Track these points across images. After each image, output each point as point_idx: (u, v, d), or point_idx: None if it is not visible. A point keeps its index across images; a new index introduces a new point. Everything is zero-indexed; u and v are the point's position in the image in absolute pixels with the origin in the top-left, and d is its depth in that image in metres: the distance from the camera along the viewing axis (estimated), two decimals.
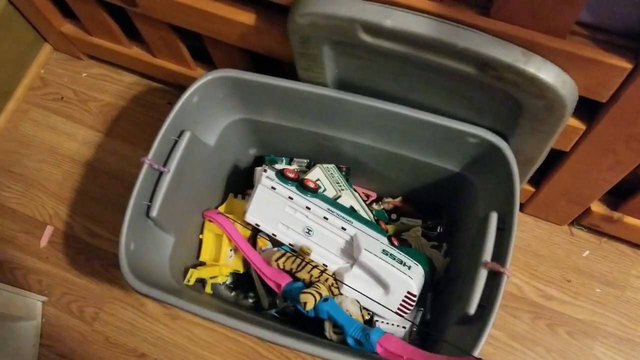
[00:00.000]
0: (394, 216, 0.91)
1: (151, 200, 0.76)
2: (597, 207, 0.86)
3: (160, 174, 0.77)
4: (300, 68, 0.75)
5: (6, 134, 1.12)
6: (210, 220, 0.87)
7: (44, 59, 1.17)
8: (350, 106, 0.74)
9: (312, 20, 0.64)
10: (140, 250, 0.75)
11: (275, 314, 0.86)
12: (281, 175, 0.81)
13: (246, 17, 0.77)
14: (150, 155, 0.76)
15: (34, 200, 1.06)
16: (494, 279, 0.65)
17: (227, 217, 0.86)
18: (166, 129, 0.77)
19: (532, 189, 0.88)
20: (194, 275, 0.83)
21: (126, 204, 0.72)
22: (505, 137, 0.70)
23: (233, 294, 0.90)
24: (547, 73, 0.56)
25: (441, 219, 0.89)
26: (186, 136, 0.79)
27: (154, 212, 0.76)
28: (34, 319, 0.97)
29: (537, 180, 0.86)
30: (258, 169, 0.88)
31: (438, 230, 0.88)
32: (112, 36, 1.03)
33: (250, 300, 0.89)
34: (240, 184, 0.94)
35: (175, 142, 0.79)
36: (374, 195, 0.95)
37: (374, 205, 0.93)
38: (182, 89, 1.07)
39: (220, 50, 0.91)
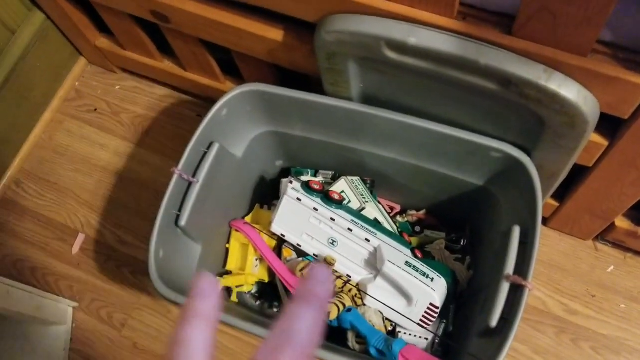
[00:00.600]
0: (417, 228, 0.92)
1: (180, 209, 0.79)
2: (622, 223, 0.86)
3: (190, 184, 0.80)
4: (326, 83, 0.77)
5: (42, 143, 1.16)
6: (236, 230, 0.89)
7: (79, 71, 1.22)
8: (375, 120, 0.76)
9: (338, 38, 0.66)
10: (169, 258, 0.77)
11: None
12: (307, 186, 0.83)
13: (275, 34, 0.79)
14: (180, 165, 0.78)
15: (66, 208, 1.10)
16: (516, 292, 0.66)
17: (254, 227, 0.88)
18: (196, 140, 0.80)
19: (556, 204, 0.88)
20: (220, 283, 0.85)
21: (155, 213, 0.75)
22: (528, 152, 0.71)
23: (258, 302, 0.92)
24: (569, 90, 0.57)
25: (464, 232, 0.90)
26: (215, 148, 0.82)
27: (182, 222, 0.78)
28: (65, 324, 1.00)
29: (561, 194, 0.86)
30: (284, 180, 0.90)
31: (461, 243, 0.88)
32: (145, 50, 1.07)
33: (275, 310, 0.91)
34: (267, 194, 0.97)
35: (205, 154, 0.82)
36: (398, 208, 0.96)
37: (398, 218, 0.94)
38: (211, 101, 1.10)
39: (248, 64, 0.94)
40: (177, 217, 0.79)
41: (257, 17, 0.80)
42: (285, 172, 0.98)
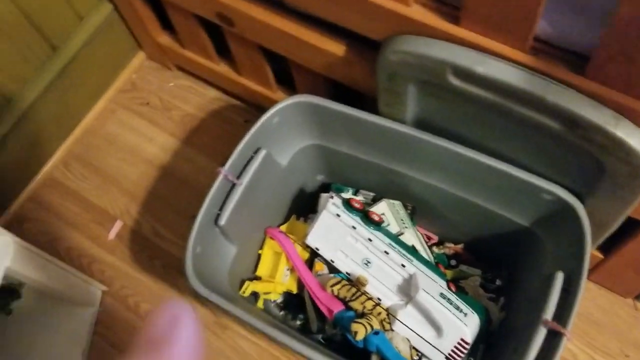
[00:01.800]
0: (453, 262, 0.90)
1: (221, 209, 0.79)
2: None
3: (233, 185, 0.80)
4: (382, 103, 0.77)
5: (93, 130, 1.19)
6: (271, 238, 0.89)
7: (137, 65, 1.25)
8: (426, 146, 0.75)
9: (403, 58, 0.66)
10: (205, 255, 0.78)
11: (321, 339, 0.87)
12: (347, 204, 0.83)
13: (336, 48, 0.79)
14: (227, 166, 0.79)
15: (108, 194, 1.12)
16: (552, 339, 0.63)
17: (289, 236, 0.88)
18: (245, 144, 0.80)
19: (600, 256, 0.85)
20: (249, 287, 0.85)
21: (193, 211, 0.75)
22: (581, 198, 0.69)
23: (282, 313, 0.91)
24: (637, 139, 0.55)
25: (501, 271, 0.88)
26: (262, 153, 0.82)
27: (222, 221, 0.79)
28: (93, 306, 1.01)
29: (607, 247, 0.84)
30: (324, 195, 0.89)
31: (496, 283, 0.86)
32: (204, 51, 1.09)
33: (298, 322, 0.90)
34: (304, 207, 0.96)
35: (251, 158, 0.82)
36: (435, 238, 0.94)
37: (435, 249, 0.92)
38: (259, 108, 1.12)
39: (304, 75, 0.95)
40: (217, 217, 0.79)
41: (321, 29, 0.80)
42: (324, 187, 0.98)
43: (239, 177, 0.81)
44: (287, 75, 1.00)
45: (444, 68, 0.62)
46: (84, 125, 1.19)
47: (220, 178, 0.79)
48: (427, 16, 0.63)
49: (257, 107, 1.14)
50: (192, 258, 0.74)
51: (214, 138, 1.15)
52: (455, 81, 0.63)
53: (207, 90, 1.21)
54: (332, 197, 0.83)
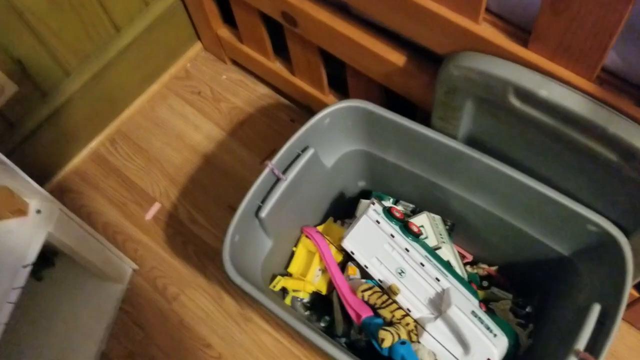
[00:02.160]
0: (485, 283, 0.90)
1: (263, 201, 0.81)
2: None
3: (277, 180, 0.82)
4: (436, 116, 0.78)
5: (143, 111, 1.22)
6: (307, 236, 0.90)
7: (193, 54, 1.28)
8: (476, 164, 0.76)
9: (466, 74, 0.66)
10: (242, 244, 0.79)
11: (344, 344, 0.87)
12: (388, 212, 0.83)
13: (396, 58, 0.81)
14: (274, 161, 0.81)
15: (150, 176, 1.14)
16: None
17: (325, 237, 0.89)
18: (294, 140, 0.82)
19: (636, 294, 0.84)
20: (280, 282, 0.86)
21: (233, 201, 0.77)
22: (627, 233, 0.68)
23: (307, 313, 0.92)
24: None
25: (533, 297, 0.87)
26: (309, 152, 0.84)
27: (263, 213, 0.80)
28: (122, 283, 1.03)
29: None
30: (365, 201, 0.90)
31: (527, 310, 0.86)
32: (261, 48, 1.11)
33: (323, 324, 0.90)
34: (341, 210, 0.97)
35: (298, 156, 0.84)
36: (469, 258, 0.94)
37: (468, 268, 0.92)
38: (307, 110, 1.13)
39: (359, 81, 0.96)
40: (259, 208, 0.80)
41: (383, 38, 0.82)
42: (364, 194, 0.99)
43: (284, 172, 0.82)
44: (339, 80, 1.01)
45: (506, 88, 0.63)
46: (135, 106, 1.22)
47: (266, 171, 0.80)
48: (495, 35, 0.64)
49: (305, 107, 1.16)
50: (230, 245, 0.75)
51: (259, 133, 1.17)
52: (516, 102, 0.64)
53: (257, 86, 1.23)
54: (373, 204, 0.84)
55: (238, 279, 0.74)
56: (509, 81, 0.62)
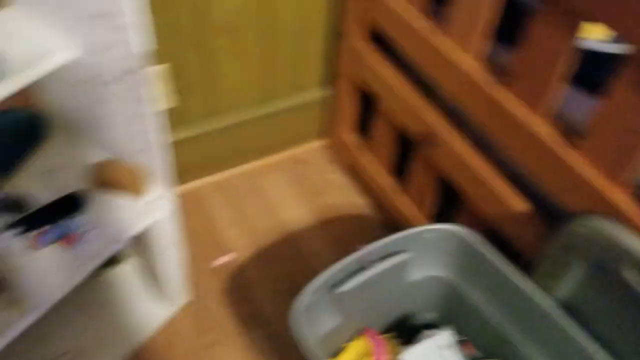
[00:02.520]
0: None
1: (342, 281, 0.81)
2: None
3: (362, 268, 0.83)
4: (540, 270, 0.78)
5: (251, 173, 1.30)
6: (368, 338, 0.88)
7: (315, 145, 1.37)
8: (564, 336, 0.74)
9: (589, 234, 0.68)
10: (308, 310, 0.79)
11: None
12: (461, 345, 0.81)
13: (516, 202, 0.83)
14: (365, 248, 0.83)
15: (234, 229, 1.19)
16: None
17: (386, 344, 0.87)
18: (394, 239, 0.84)
19: None
20: None
21: (298, 285, 0.78)
22: None
23: None
24: None
25: None
26: (404, 256, 0.85)
27: (341, 289, 0.80)
28: (167, 310, 1.03)
29: None
30: (427, 331, 0.89)
31: None
32: (381, 162, 1.18)
33: None
34: (401, 329, 0.95)
35: (392, 254, 0.85)
36: None
37: None
38: (390, 228, 1.15)
39: (465, 215, 0.98)
40: (335, 284, 0.81)
41: (510, 181, 0.85)
42: (427, 325, 0.96)
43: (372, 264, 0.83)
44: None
45: (626, 257, 0.64)
46: (247, 167, 1.31)
47: (356, 254, 0.82)
48: (630, 207, 0.66)
49: (394, 227, 1.18)
50: (304, 301, 0.76)
51: (343, 235, 1.20)
52: (629, 274, 0.64)
53: (358, 196, 1.28)
54: (444, 333, 0.82)
55: (305, 345, 0.72)
56: (631, 252, 0.63)
